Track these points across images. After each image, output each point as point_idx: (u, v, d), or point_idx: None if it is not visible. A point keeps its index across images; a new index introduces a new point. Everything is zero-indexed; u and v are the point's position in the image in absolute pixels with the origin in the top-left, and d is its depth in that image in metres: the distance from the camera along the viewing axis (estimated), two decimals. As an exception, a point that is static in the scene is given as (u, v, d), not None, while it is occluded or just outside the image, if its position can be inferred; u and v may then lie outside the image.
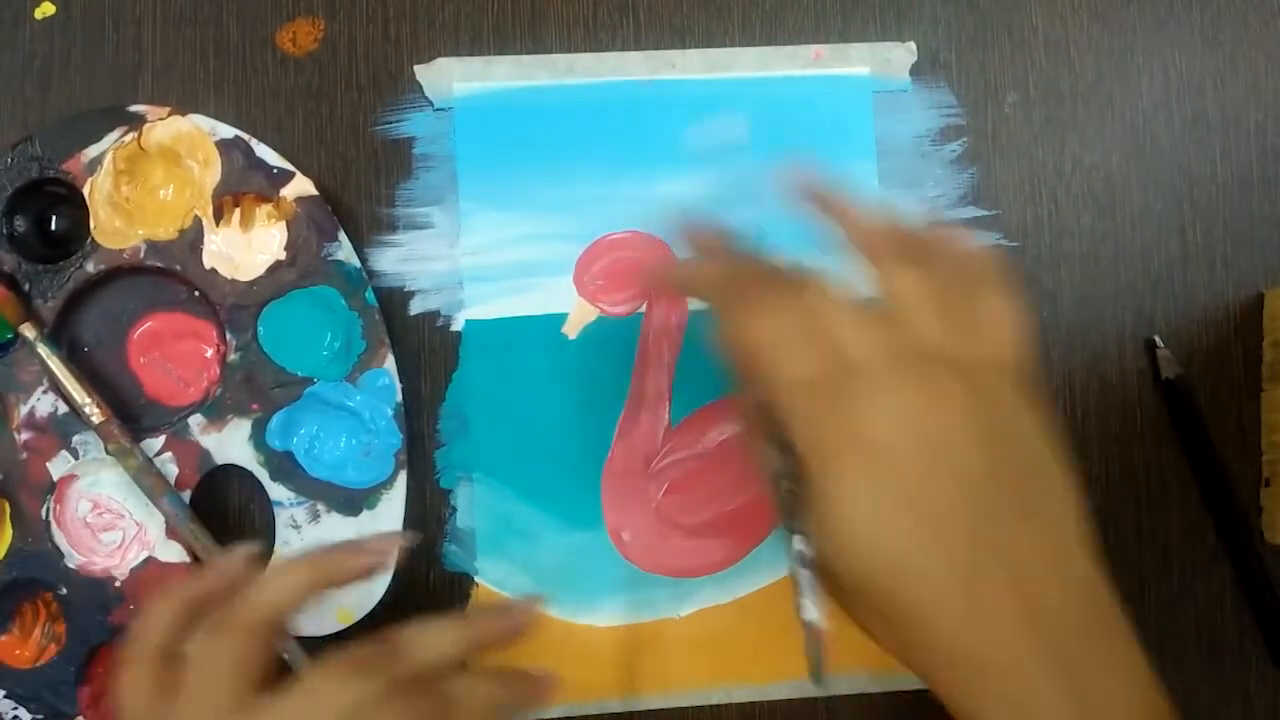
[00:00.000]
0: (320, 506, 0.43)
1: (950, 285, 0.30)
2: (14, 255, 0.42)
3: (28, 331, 0.41)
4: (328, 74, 0.45)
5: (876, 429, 0.28)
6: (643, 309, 0.45)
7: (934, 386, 0.28)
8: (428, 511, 0.44)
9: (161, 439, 0.42)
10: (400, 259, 0.45)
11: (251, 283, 0.43)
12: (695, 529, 0.45)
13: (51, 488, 0.42)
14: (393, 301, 0.45)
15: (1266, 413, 0.47)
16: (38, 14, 0.45)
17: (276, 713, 0.31)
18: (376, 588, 0.42)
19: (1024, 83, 0.47)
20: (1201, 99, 0.48)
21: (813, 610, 0.28)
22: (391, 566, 0.35)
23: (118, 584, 0.42)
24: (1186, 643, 0.47)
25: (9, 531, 0.42)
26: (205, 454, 0.43)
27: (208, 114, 0.43)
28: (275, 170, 0.43)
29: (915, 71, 0.47)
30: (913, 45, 0.47)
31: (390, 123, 0.45)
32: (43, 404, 0.42)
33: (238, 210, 0.43)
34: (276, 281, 0.43)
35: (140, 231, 0.42)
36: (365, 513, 0.43)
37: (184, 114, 0.43)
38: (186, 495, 0.42)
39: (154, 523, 0.42)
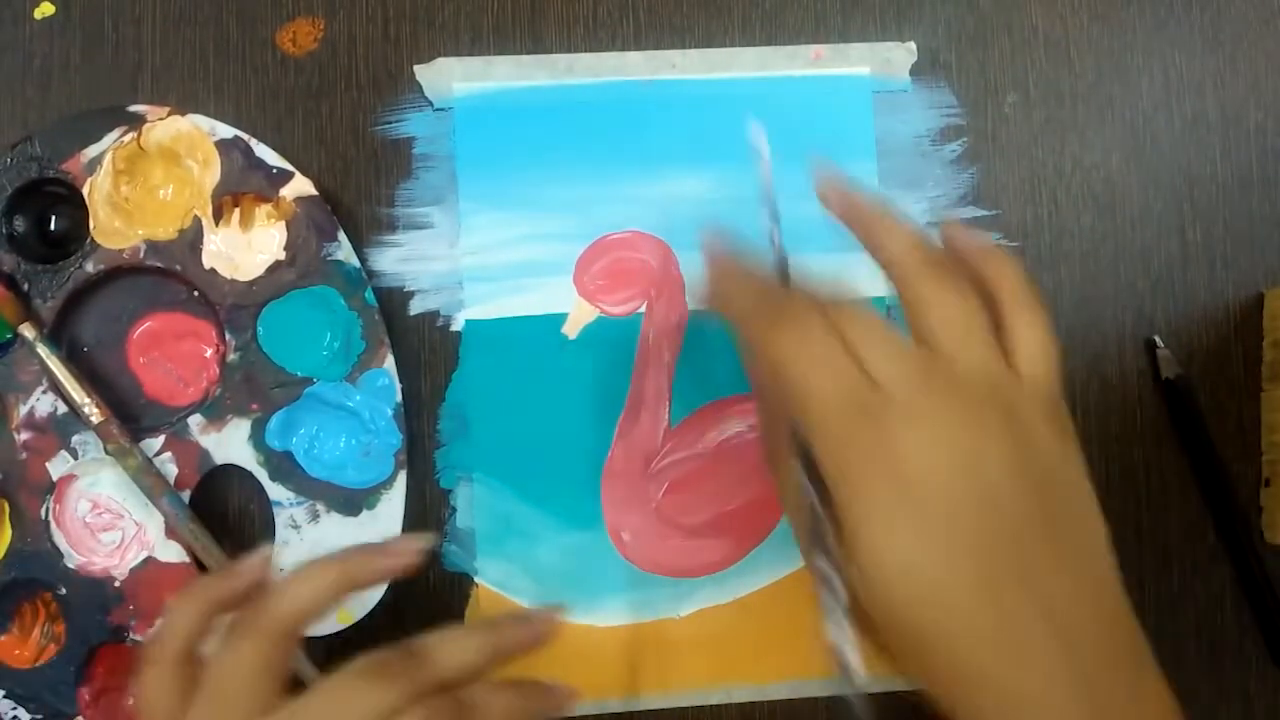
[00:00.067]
0: (320, 506, 0.43)
1: (982, 306, 0.30)
2: (14, 255, 0.42)
3: (27, 331, 0.41)
4: (328, 74, 0.45)
5: (909, 458, 0.27)
6: (643, 309, 0.45)
7: (968, 415, 0.28)
8: (427, 511, 0.44)
9: (161, 439, 0.42)
10: (400, 259, 0.45)
11: (251, 283, 0.43)
12: (695, 529, 0.45)
13: (51, 488, 0.42)
14: (393, 301, 0.45)
15: (1266, 413, 0.47)
16: (38, 14, 0.45)
17: (300, 716, 0.31)
18: (376, 588, 0.42)
19: (1024, 83, 0.47)
20: (1201, 99, 0.48)
21: (839, 630, 0.27)
22: (414, 568, 0.35)
23: (117, 584, 0.42)
24: (1186, 643, 0.47)
25: (8, 531, 0.42)
26: (205, 454, 0.43)
27: (207, 114, 0.43)
28: (275, 170, 0.43)
29: (915, 71, 0.47)
30: (913, 45, 0.47)
31: (390, 123, 0.45)
32: (42, 404, 0.42)
33: (237, 210, 0.43)
34: (276, 281, 0.43)
35: (140, 231, 0.42)
36: (365, 513, 0.43)
37: (184, 114, 0.43)
38: (186, 495, 0.42)
39: (153, 523, 0.42)
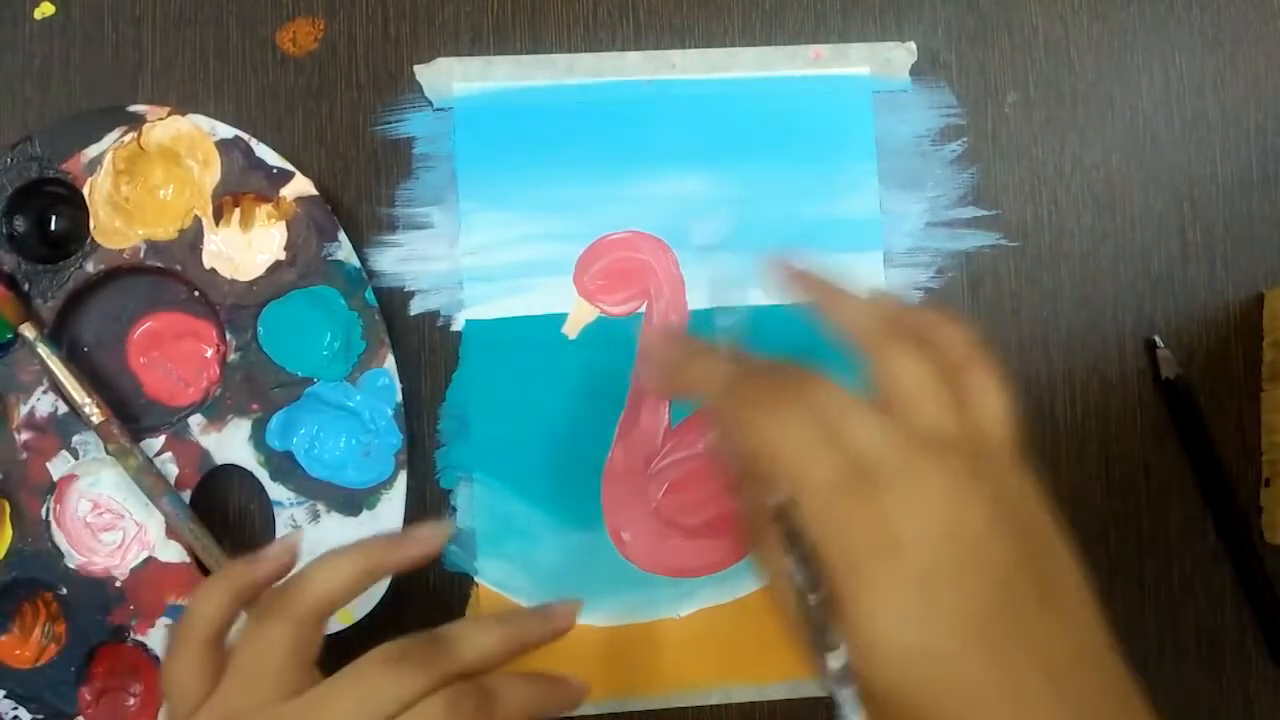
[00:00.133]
0: (320, 506, 0.43)
1: (943, 368, 0.30)
2: (14, 255, 0.42)
3: (28, 331, 0.41)
4: (328, 74, 0.45)
5: (907, 528, 0.28)
6: (643, 309, 0.45)
7: (953, 477, 0.28)
8: (428, 511, 0.44)
9: (161, 439, 0.42)
10: (400, 259, 0.45)
11: (251, 283, 0.43)
12: (695, 529, 0.45)
13: (51, 488, 0.42)
14: (393, 301, 0.45)
15: (1266, 413, 0.47)
16: (37, 14, 0.45)
17: (326, 700, 0.31)
18: (377, 587, 0.42)
19: (1024, 83, 0.47)
20: (1201, 99, 0.48)
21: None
22: (436, 554, 0.36)
23: (118, 584, 0.42)
24: (1186, 643, 0.47)
25: (9, 531, 0.42)
26: (205, 454, 0.43)
27: (207, 114, 0.43)
28: (275, 170, 0.43)
29: (915, 71, 0.47)
30: (913, 45, 0.47)
31: (390, 123, 0.45)
32: (43, 404, 0.42)
33: (237, 210, 0.43)
34: (276, 281, 0.43)
35: (140, 231, 0.42)
36: (365, 513, 0.43)
37: (184, 114, 0.43)
38: (186, 495, 0.42)
39: (154, 523, 0.42)
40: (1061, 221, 0.47)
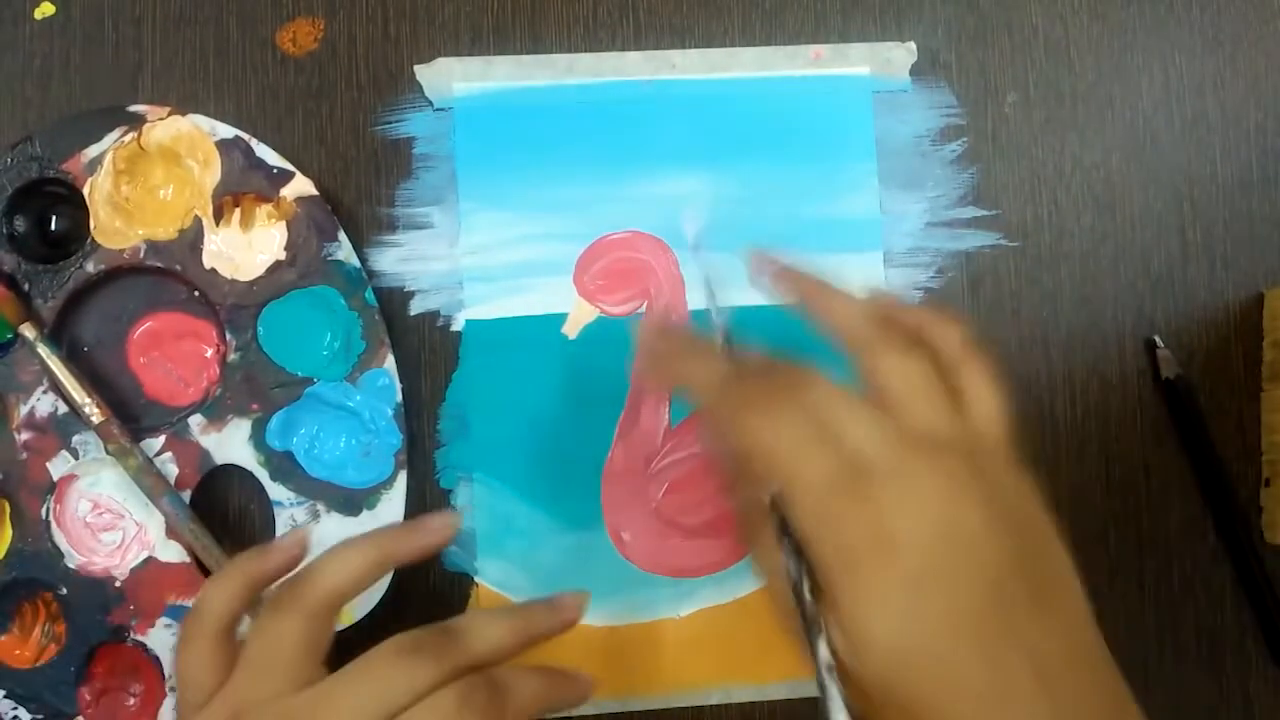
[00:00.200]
0: (320, 506, 0.43)
1: (935, 367, 0.30)
2: (14, 255, 0.42)
3: (28, 331, 0.41)
4: (328, 74, 0.45)
5: (899, 527, 0.28)
6: (643, 309, 0.45)
7: (947, 476, 0.28)
8: (428, 511, 0.44)
9: (161, 439, 0.42)
10: (400, 259, 0.45)
11: (251, 283, 0.43)
12: (695, 529, 0.45)
13: (51, 488, 0.42)
14: (393, 301, 0.45)
15: (1266, 413, 0.47)
16: (38, 14, 0.45)
17: (337, 692, 0.31)
18: (377, 587, 0.42)
19: (1024, 83, 0.47)
20: (1201, 99, 0.48)
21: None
22: (447, 545, 0.36)
23: (118, 584, 0.42)
24: (1186, 643, 0.47)
25: (9, 531, 0.42)
26: (205, 454, 0.43)
27: (208, 114, 0.43)
28: (275, 170, 0.43)
29: (915, 71, 0.47)
30: (913, 45, 0.47)
31: (390, 123, 0.45)
32: (43, 404, 0.42)
33: (238, 210, 0.43)
34: (276, 281, 0.43)
35: (140, 231, 0.42)
36: (365, 513, 0.43)
37: (184, 114, 0.43)
38: (186, 495, 0.42)
39: (154, 523, 0.42)
40: (1061, 221, 0.47)
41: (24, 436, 0.42)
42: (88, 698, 0.42)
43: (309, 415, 0.43)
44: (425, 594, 0.44)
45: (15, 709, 0.41)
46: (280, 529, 0.43)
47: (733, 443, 0.31)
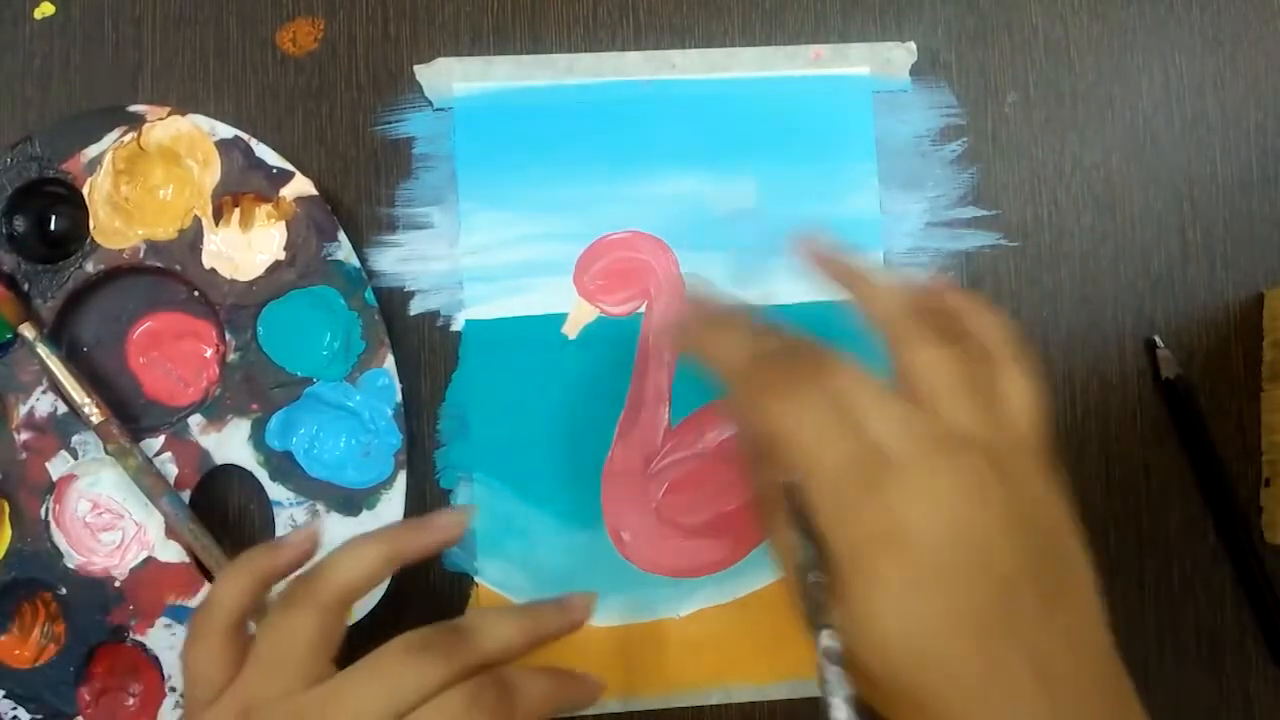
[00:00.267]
0: (320, 506, 0.43)
1: (972, 362, 0.30)
2: (14, 255, 0.42)
3: (27, 331, 0.41)
4: (327, 74, 0.45)
5: (911, 523, 0.28)
6: (643, 309, 0.45)
7: (967, 477, 0.28)
8: (427, 512, 0.44)
9: (161, 439, 0.42)
10: (400, 259, 0.45)
11: (251, 283, 0.43)
12: (695, 529, 0.45)
13: (51, 488, 0.42)
14: (393, 301, 0.45)
15: (1266, 413, 0.47)
16: (38, 14, 0.45)
17: (346, 690, 0.31)
18: (377, 588, 0.42)
19: (1024, 83, 0.47)
20: (1201, 99, 0.48)
21: (843, 710, 0.27)
22: (459, 541, 0.36)
23: (117, 584, 0.42)
24: (1186, 643, 0.47)
25: (8, 531, 0.42)
26: (205, 454, 0.43)
27: (207, 114, 0.43)
28: (275, 170, 0.43)
29: (915, 71, 0.47)
30: (913, 45, 0.47)
31: (390, 123, 0.45)
32: (42, 404, 0.42)
33: (237, 210, 0.43)
34: (276, 281, 0.43)
35: (140, 231, 0.42)
36: (365, 513, 0.43)
37: (184, 114, 0.43)
38: (186, 495, 0.42)
39: (154, 523, 0.42)
40: (1061, 221, 0.47)
41: (23, 436, 0.42)
42: (87, 698, 0.42)
43: (309, 415, 0.43)
44: (425, 594, 0.44)
45: (15, 709, 0.41)
46: (280, 529, 0.43)
47: (754, 424, 0.31)
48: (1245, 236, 0.48)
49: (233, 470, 0.43)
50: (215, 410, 0.43)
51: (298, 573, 0.34)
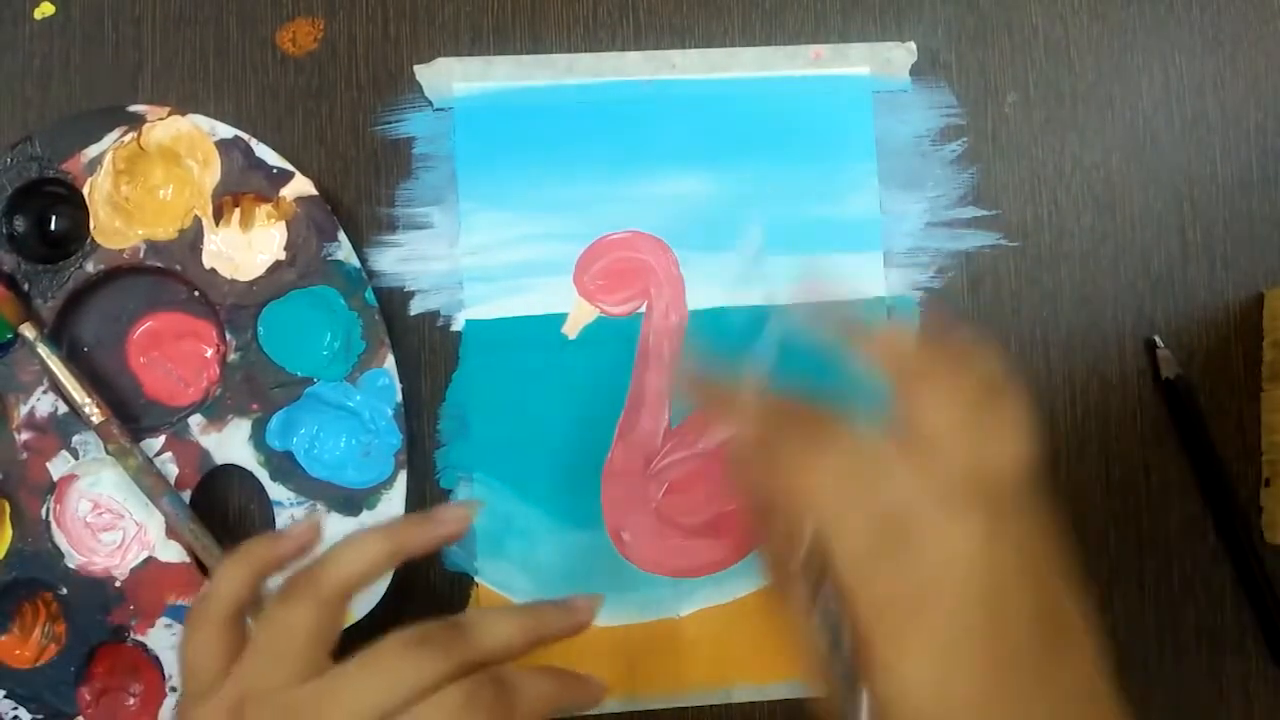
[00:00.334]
0: (320, 506, 0.43)
1: (972, 401, 0.31)
2: (14, 255, 0.42)
3: (28, 331, 0.41)
4: (327, 74, 0.45)
5: (933, 585, 0.28)
6: (643, 309, 0.45)
7: (981, 528, 0.29)
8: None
9: (161, 439, 0.42)
10: (400, 259, 0.45)
11: (251, 283, 0.43)
12: (695, 529, 0.45)
13: (51, 488, 0.42)
14: (393, 301, 0.45)
15: (1266, 413, 0.47)
16: (38, 14, 0.45)
17: (342, 685, 0.31)
18: (378, 587, 0.42)
19: (1024, 83, 0.47)
20: (1201, 99, 0.48)
21: None
22: (462, 536, 0.36)
23: (118, 584, 0.42)
24: (1186, 643, 0.47)
25: (9, 531, 0.42)
26: (205, 454, 0.43)
27: (207, 114, 0.43)
28: (275, 170, 0.43)
29: (915, 71, 0.47)
30: (913, 45, 0.47)
31: (390, 123, 0.45)
32: (43, 404, 0.42)
33: (237, 210, 0.43)
34: (276, 281, 0.43)
35: (140, 231, 0.42)
36: (365, 513, 0.43)
37: (184, 114, 0.43)
38: (186, 495, 0.42)
39: (154, 523, 0.42)
40: (1061, 221, 0.47)
41: (24, 436, 0.42)
42: (88, 698, 0.42)
43: (309, 415, 0.43)
44: (425, 594, 0.44)
45: (15, 709, 0.41)
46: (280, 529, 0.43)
47: (770, 495, 0.32)
48: (1245, 236, 0.48)
49: (233, 470, 0.43)
50: (215, 410, 0.43)
51: (299, 565, 0.34)
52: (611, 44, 0.46)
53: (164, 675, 0.42)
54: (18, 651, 0.42)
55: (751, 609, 0.45)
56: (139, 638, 0.42)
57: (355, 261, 0.43)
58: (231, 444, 0.43)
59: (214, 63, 0.45)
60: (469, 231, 0.45)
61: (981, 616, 0.28)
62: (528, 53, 0.46)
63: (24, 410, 0.42)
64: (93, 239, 0.42)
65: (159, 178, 0.43)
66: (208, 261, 0.43)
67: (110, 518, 0.42)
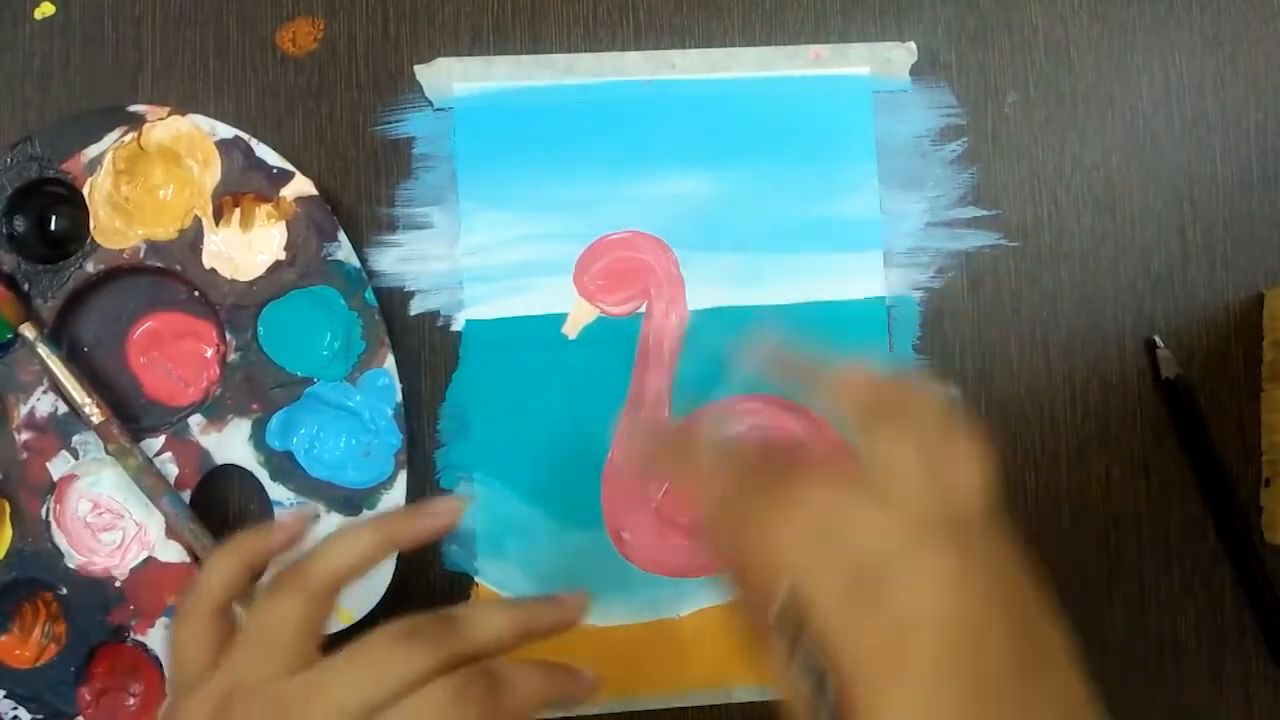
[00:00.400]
0: (320, 506, 0.43)
1: (928, 435, 0.31)
2: (14, 255, 0.42)
3: (28, 331, 0.41)
4: (327, 74, 0.45)
5: (911, 630, 0.28)
6: (643, 309, 0.45)
7: (951, 564, 0.29)
8: (428, 511, 0.44)
9: (161, 439, 0.42)
10: (400, 259, 0.45)
11: (251, 283, 0.43)
12: (695, 529, 0.45)
13: (51, 488, 0.42)
14: (393, 301, 0.45)
15: (1266, 413, 0.47)
16: (38, 14, 0.45)
17: (332, 676, 0.30)
18: (377, 587, 0.42)
19: (1024, 83, 0.47)
20: (1201, 99, 0.48)
21: None
22: (453, 529, 0.35)
23: (118, 584, 0.42)
24: (1186, 643, 0.47)
25: (9, 531, 0.42)
26: (205, 454, 0.43)
27: (207, 114, 0.43)
28: (275, 170, 0.43)
29: (915, 71, 0.47)
30: (913, 45, 0.47)
31: (390, 123, 0.45)
32: (43, 404, 0.42)
33: (237, 210, 0.43)
34: (276, 281, 0.43)
35: (140, 231, 0.42)
36: (365, 513, 0.43)
37: (184, 114, 0.43)
38: (186, 495, 0.42)
39: (154, 523, 0.42)
40: (1061, 221, 0.47)
41: (24, 436, 0.42)
42: (88, 698, 0.42)
43: (309, 415, 0.43)
44: (425, 594, 0.44)
45: (15, 709, 0.41)
46: (280, 529, 0.43)
47: (741, 557, 0.32)
48: (1245, 236, 0.48)
49: (233, 470, 0.43)
50: (215, 410, 0.43)
51: (289, 557, 0.34)
52: (611, 44, 0.46)
53: (164, 675, 0.42)
54: (18, 651, 0.42)
55: (751, 609, 0.45)
56: (139, 638, 0.42)
57: (355, 261, 0.43)
58: (231, 444, 0.43)
59: (214, 63, 0.45)
60: (469, 231, 0.45)
61: (961, 654, 0.28)
62: (528, 53, 0.46)
63: (24, 410, 0.42)
64: (93, 239, 0.42)
65: (159, 178, 0.43)
66: (208, 261, 0.43)
67: (110, 518, 0.42)
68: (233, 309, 0.43)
